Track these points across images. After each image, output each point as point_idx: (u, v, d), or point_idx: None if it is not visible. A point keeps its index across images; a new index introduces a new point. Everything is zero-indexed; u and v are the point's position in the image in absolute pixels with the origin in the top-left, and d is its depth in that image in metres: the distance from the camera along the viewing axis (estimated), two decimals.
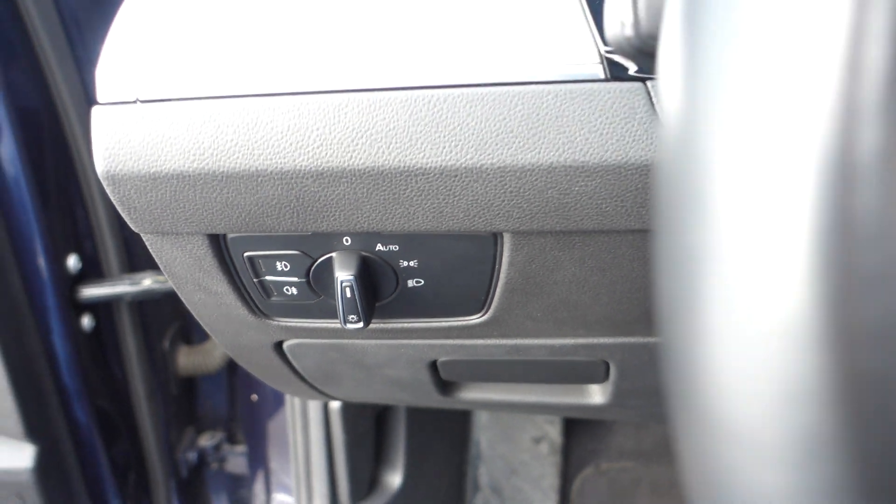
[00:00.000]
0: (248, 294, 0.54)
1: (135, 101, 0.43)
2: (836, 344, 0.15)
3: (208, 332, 0.60)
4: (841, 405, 0.15)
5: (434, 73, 0.42)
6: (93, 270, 0.98)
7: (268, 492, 1.25)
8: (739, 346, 0.16)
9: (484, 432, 1.36)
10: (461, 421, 1.33)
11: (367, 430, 1.09)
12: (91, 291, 0.96)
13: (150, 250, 0.50)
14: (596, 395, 0.71)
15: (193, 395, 1.27)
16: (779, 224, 0.15)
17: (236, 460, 1.30)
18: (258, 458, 1.25)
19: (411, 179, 0.43)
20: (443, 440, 1.29)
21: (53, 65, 0.85)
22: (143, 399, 1.10)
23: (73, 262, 0.94)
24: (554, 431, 1.35)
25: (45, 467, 0.93)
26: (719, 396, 0.16)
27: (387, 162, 0.43)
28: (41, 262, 0.89)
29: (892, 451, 0.15)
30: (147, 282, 0.98)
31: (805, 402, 0.15)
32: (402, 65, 0.42)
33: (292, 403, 1.03)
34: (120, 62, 0.43)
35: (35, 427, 0.92)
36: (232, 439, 1.31)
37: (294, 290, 0.53)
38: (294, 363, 0.64)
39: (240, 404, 1.28)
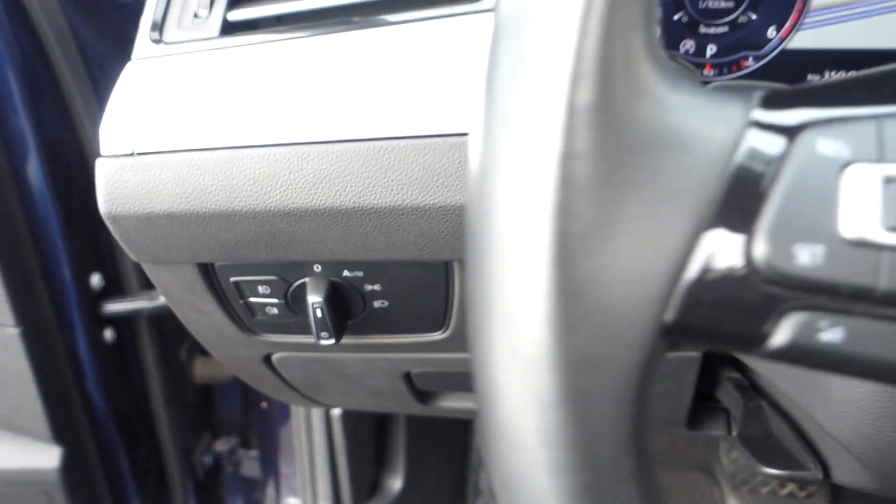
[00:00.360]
0: (236, 313, 0.62)
1: (132, 154, 0.50)
2: (561, 369, 0.21)
3: (205, 347, 0.68)
4: (564, 411, 0.21)
5: (382, 127, 0.49)
6: (114, 287, 1.06)
7: (278, 494, 1.33)
8: (505, 368, 0.22)
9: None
10: (462, 428, 1.39)
11: (368, 436, 1.16)
12: (113, 307, 1.05)
13: (149, 276, 0.58)
14: None
15: (210, 402, 1.35)
16: (525, 281, 0.22)
17: (250, 464, 1.39)
18: (269, 463, 1.33)
19: (366, 217, 0.50)
20: (444, 446, 1.35)
21: (77, 99, 0.94)
22: (161, 406, 1.18)
23: (96, 280, 1.02)
24: None
25: (70, 468, 1.02)
26: (496, 405, 0.23)
27: (344, 203, 0.50)
28: (67, 280, 0.98)
29: (594, 442, 0.21)
30: (164, 298, 1.06)
31: (543, 408, 0.22)
32: (355, 120, 0.49)
33: (297, 411, 1.11)
34: (119, 122, 0.51)
35: (61, 431, 1.00)
36: (246, 444, 1.39)
37: (275, 310, 0.60)
38: (283, 374, 0.72)
39: (253, 411, 1.36)
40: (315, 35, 0.52)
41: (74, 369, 1.03)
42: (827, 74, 0.61)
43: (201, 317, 0.62)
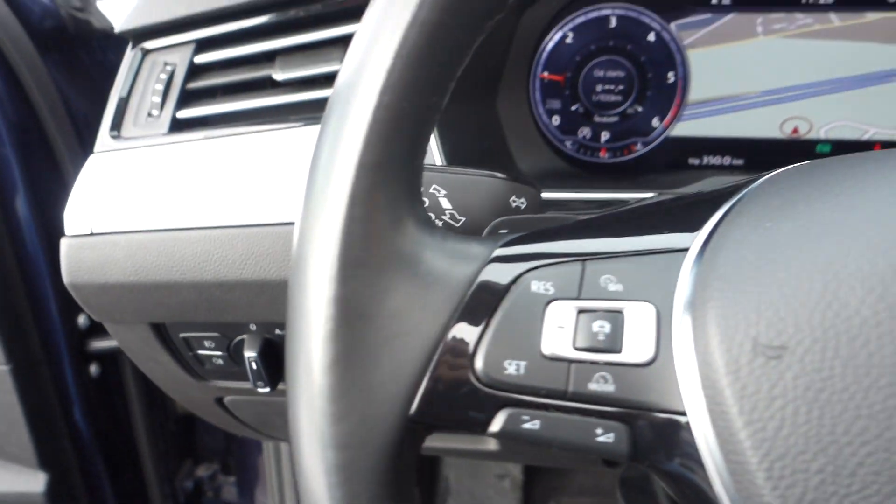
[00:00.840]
0: (188, 364, 0.70)
1: (90, 234, 0.60)
2: (333, 447, 0.30)
3: (164, 391, 0.77)
4: (337, 476, 0.30)
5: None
6: (99, 326, 1.15)
7: None
8: (304, 445, 0.31)
9: (452, 469, 1.50)
10: (430, 458, 1.47)
11: None
12: (98, 344, 1.14)
13: (110, 333, 0.67)
14: (490, 443, 0.86)
15: (192, 430, 1.44)
16: (310, 380, 0.30)
17: (230, 489, 1.47)
18: (246, 489, 1.41)
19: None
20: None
21: (65, 155, 1.04)
22: (144, 435, 1.27)
23: (82, 320, 1.12)
24: (516, 469, 1.48)
25: (56, 493, 1.11)
26: (301, 469, 0.31)
27: (268, 276, 0.59)
28: (56, 321, 1.08)
29: (358, 501, 0.30)
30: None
31: (325, 474, 0.30)
32: (277, 207, 0.58)
33: (266, 443, 1.19)
34: (80, 207, 0.60)
35: (47, 458, 1.09)
36: (227, 470, 1.48)
37: (221, 361, 0.69)
38: (236, 414, 0.80)
39: (232, 439, 1.44)
40: (248, 133, 0.61)
41: (61, 401, 1.12)
42: (705, 158, 0.70)
43: (157, 366, 0.71)
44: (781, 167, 0.70)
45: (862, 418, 0.27)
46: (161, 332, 0.67)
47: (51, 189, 1.03)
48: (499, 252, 0.33)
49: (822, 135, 0.67)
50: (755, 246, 0.30)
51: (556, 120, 0.71)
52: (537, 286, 0.31)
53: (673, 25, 0.67)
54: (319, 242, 0.30)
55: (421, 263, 0.31)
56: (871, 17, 0.64)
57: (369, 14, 0.31)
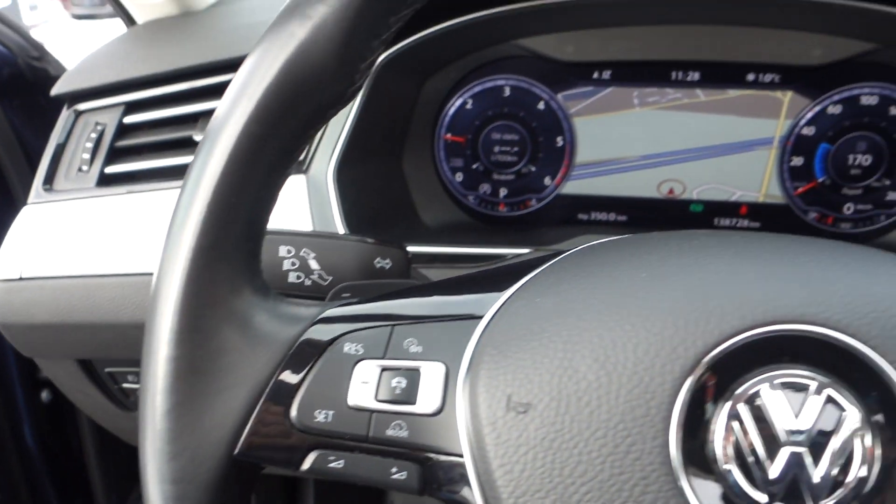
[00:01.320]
0: (114, 396, 0.76)
1: (19, 278, 0.66)
2: (168, 481, 0.36)
3: (95, 421, 0.82)
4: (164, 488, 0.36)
5: None
6: None
7: None
8: (150, 479, 0.37)
9: (397, 495, 1.55)
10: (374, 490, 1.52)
11: (276, 496, 1.29)
12: None
13: (41, 368, 0.73)
14: None
15: None
16: (152, 425, 0.36)
17: None
18: None
19: None
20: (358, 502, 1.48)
21: (20, 192, 1.10)
22: (94, 459, 1.31)
23: None
24: None
25: None
26: (145, 478, 0.37)
27: None
28: (8, 348, 1.13)
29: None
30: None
31: (159, 484, 0.36)
32: None
33: None
34: (11, 254, 0.66)
35: None
36: None
37: None
38: None
39: None
40: (167, 188, 0.68)
41: (12, 425, 1.17)
42: (593, 214, 0.77)
43: (86, 398, 0.77)
44: (660, 224, 0.78)
45: (582, 463, 0.33)
46: (87, 367, 0.73)
47: (5, 227, 1.09)
48: (325, 314, 0.39)
49: (694, 195, 0.75)
50: (523, 318, 0.37)
51: (459, 177, 0.78)
52: (349, 347, 0.38)
53: (560, 96, 0.74)
54: (161, 310, 0.36)
55: (251, 326, 0.38)
56: (733, 93, 0.71)
57: (213, 120, 0.37)
